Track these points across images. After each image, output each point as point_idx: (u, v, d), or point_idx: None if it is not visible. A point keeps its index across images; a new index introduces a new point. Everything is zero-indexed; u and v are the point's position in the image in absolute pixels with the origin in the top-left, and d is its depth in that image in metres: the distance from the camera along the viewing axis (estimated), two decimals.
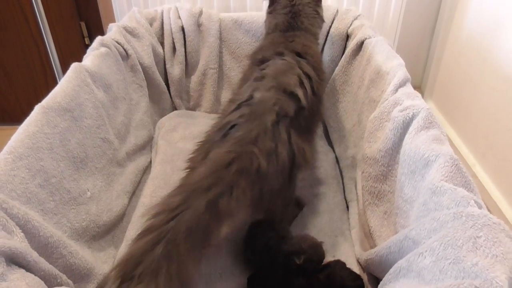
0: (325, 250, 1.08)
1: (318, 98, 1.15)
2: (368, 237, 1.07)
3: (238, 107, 1.01)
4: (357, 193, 1.25)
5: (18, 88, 2.15)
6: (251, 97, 1.01)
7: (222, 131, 0.97)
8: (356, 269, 1.07)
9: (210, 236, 0.81)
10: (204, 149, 1.01)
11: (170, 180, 1.39)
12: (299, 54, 1.17)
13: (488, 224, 0.64)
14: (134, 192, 1.33)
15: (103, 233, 1.10)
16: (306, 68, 1.13)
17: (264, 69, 1.11)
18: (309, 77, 1.11)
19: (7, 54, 2.08)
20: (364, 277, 1.02)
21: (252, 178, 0.88)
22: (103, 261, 1.05)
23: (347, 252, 1.13)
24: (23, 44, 2.06)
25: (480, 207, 0.69)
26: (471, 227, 0.64)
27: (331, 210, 1.27)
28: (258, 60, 1.18)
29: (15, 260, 0.68)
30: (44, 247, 0.81)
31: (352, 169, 1.36)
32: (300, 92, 1.04)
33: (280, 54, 1.16)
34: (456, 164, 0.78)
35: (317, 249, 1.03)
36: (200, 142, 1.06)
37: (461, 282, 0.57)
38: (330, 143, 1.58)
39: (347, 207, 1.29)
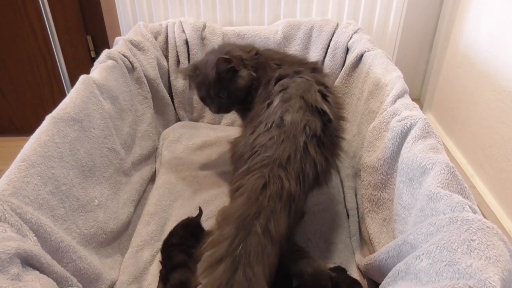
0: (326, 258, 1.10)
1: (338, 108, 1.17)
2: (368, 244, 1.10)
3: (269, 128, 1.02)
4: (357, 202, 1.28)
5: (25, 100, 2.19)
6: (281, 119, 1.02)
7: (250, 151, 1.01)
8: (356, 275, 1.09)
9: (270, 258, 0.86)
10: (236, 166, 1.06)
11: (174, 189, 1.42)
12: (314, 70, 1.22)
13: (482, 228, 0.67)
14: (139, 201, 1.36)
15: (110, 240, 1.13)
16: (323, 81, 1.16)
17: (286, 88, 1.12)
18: (328, 90, 1.14)
19: (15, 67, 2.12)
20: (364, 283, 1.04)
21: (284, 200, 0.92)
22: (110, 267, 1.08)
23: (348, 259, 1.15)
24: (31, 57, 2.11)
25: (474, 212, 0.72)
26: (465, 231, 0.67)
27: (331, 219, 1.30)
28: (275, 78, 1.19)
29: (29, 262, 0.71)
30: (55, 251, 0.84)
31: (352, 178, 1.39)
32: (326, 107, 1.06)
33: (298, 72, 1.18)
34: (452, 172, 0.82)
35: (319, 277, 0.99)
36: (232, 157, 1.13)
37: (456, 282, 0.60)
38: None
39: (348, 215, 1.32)
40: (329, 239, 1.22)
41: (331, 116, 1.05)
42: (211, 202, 1.36)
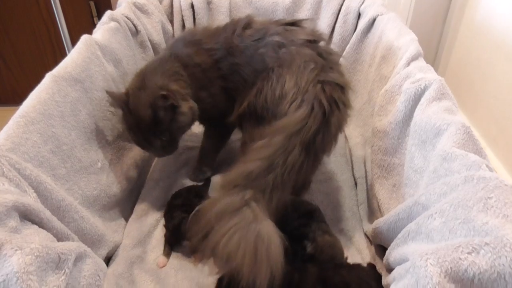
0: (334, 226, 1.08)
1: None
2: (376, 212, 1.07)
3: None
4: (365, 170, 1.25)
5: (28, 70, 2.17)
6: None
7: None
8: (363, 242, 1.07)
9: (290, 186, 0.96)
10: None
11: (180, 157, 1.40)
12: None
13: (500, 186, 0.63)
14: (143, 167, 1.34)
15: (114, 203, 1.11)
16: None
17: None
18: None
19: (17, 36, 2.09)
20: (372, 249, 1.02)
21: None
22: (113, 230, 1.06)
23: (355, 227, 1.13)
24: (34, 26, 2.07)
25: (491, 171, 0.69)
26: (482, 189, 0.64)
27: (339, 187, 1.27)
28: None
29: (28, 217, 0.69)
30: (57, 210, 0.82)
31: (361, 147, 1.36)
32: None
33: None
34: (468, 132, 0.78)
35: (330, 247, 0.98)
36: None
37: (471, 239, 0.57)
38: None
39: (355, 184, 1.29)
40: (336, 207, 1.20)
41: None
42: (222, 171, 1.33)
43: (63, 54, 2.11)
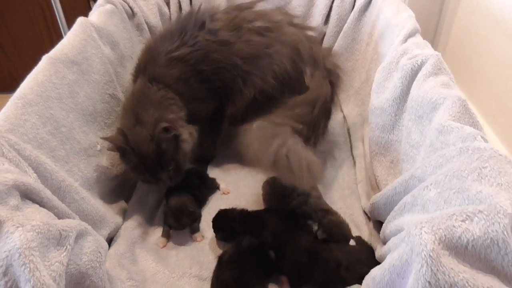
0: (333, 203, 1.09)
1: None
2: (375, 188, 1.08)
3: None
4: (364, 149, 1.25)
5: (26, 55, 2.16)
6: None
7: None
8: (362, 219, 1.08)
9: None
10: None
11: None
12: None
13: (494, 156, 0.64)
14: None
15: (114, 186, 1.12)
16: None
17: None
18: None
19: (13, 21, 2.08)
20: (370, 225, 1.03)
21: None
22: (114, 211, 1.07)
23: (354, 204, 1.14)
24: (29, 10, 2.06)
25: (486, 142, 0.69)
26: (477, 159, 0.64)
27: (338, 166, 1.28)
28: None
29: (29, 196, 0.70)
30: (57, 190, 0.83)
31: (359, 127, 1.36)
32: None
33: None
34: (464, 105, 0.78)
35: (338, 227, 0.99)
36: None
37: (465, 208, 0.58)
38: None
39: (354, 163, 1.30)
40: (335, 185, 1.21)
41: None
42: (220, 159, 1.34)
43: (60, 38, 2.09)
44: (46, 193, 0.73)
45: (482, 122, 1.77)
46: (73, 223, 0.67)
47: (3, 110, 0.81)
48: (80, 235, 0.68)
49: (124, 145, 1.01)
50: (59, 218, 0.74)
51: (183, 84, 1.13)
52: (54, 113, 0.92)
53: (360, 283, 0.74)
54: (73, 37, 1.07)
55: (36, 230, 0.59)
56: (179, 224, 1.03)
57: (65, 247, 0.63)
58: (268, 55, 1.14)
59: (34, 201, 0.71)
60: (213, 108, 1.22)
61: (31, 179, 0.73)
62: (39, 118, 0.87)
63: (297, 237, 0.94)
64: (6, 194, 0.64)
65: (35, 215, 0.66)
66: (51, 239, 0.61)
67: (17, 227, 0.58)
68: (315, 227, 0.99)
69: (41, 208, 0.70)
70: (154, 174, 1.03)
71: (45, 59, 0.97)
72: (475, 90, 1.87)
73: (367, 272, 0.72)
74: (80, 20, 1.13)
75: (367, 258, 0.88)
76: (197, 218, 1.08)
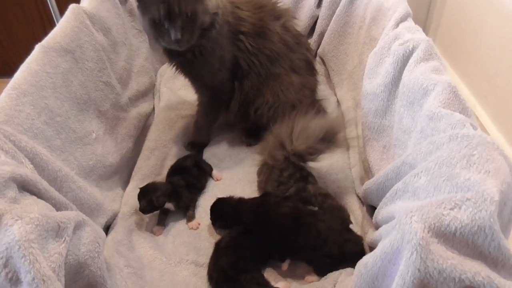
0: (327, 188, 1.11)
1: None
2: (368, 173, 1.10)
3: None
4: (357, 133, 1.27)
5: (18, 41, 2.14)
6: None
7: None
8: (356, 203, 1.10)
9: None
10: None
11: (175, 125, 1.41)
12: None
13: (482, 143, 0.66)
14: (138, 137, 1.35)
15: (110, 173, 1.13)
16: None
17: None
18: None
19: (5, 8, 2.05)
20: (363, 210, 1.05)
21: None
22: (111, 199, 1.09)
23: (347, 189, 1.15)
24: None
25: (475, 129, 0.71)
26: (465, 147, 0.66)
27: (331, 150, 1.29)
28: None
29: (26, 188, 0.71)
30: (54, 180, 0.84)
31: (353, 110, 1.37)
32: None
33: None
34: (454, 91, 0.79)
35: (338, 211, 1.01)
36: None
37: (453, 195, 0.60)
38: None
39: (348, 147, 1.31)
40: (329, 170, 1.22)
41: None
42: (215, 142, 1.35)
43: (51, 23, 2.07)
44: (43, 184, 0.74)
45: (474, 103, 1.80)
46: (71, 215, 0.68)
47: None
48: (78, 226, 0.69)
49: None
50: (56, 209, 0.75)
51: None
52: (48, 102, 0.93)
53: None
54: (65, 25, 1.06)
55: (35, 223, 0.60)
56: (140, 206, 1.03)
57: (63, 239, 0.64)
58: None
59: (31, 192, 0.71)
60: (225, 84, 1.24)
61: (28, 171, 0.74)
62: (33, 108, 0.87)
63: (277, 203, 0.98)
64: (4, 186, 0.65)
65: (33, 207, 0.68)
66: (49, 231, 0.62)
67: (16, 220, 0.59)
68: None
69: (39, 199, 0.71)
70: (168, 15, 0.98)
71: (38, 48, 0.96)
72: (468, 70, 1.88)
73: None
74: (72, 7, 1.12)
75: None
76: (155, 209, 1.06)
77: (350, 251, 0.88)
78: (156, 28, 1.03)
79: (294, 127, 1.11)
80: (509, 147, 1.59)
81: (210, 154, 1.31)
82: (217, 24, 1.09)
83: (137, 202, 1.10)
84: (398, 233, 0.59)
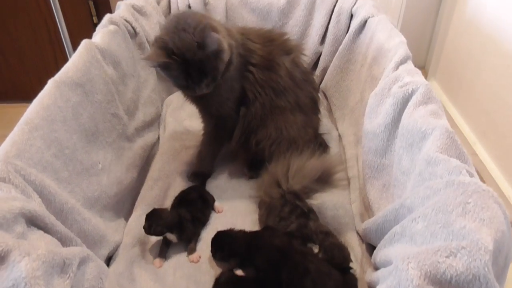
0: (327, 223, 1.12)
1: None
2: (368, 210, 1.11)
3: None
4: (358, 169, 1.29)
5: (29, 66, 2.19)
6: None
7: None
8: (355, 240, 1.11)
9: None
10: None
11: (179, 156, 1.43)
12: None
13: (478, 191, 0.68)
14: (143, 167, 1.38)
15: (114, 204, 1.15)
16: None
17: None
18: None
19: (18, 33, 2.12)
20: (363, 247, 1.06)
21: None
22: (114, 230, 1.10)
23: (347, 225, 1.17)
24: (33, 23, 2.10)
25: (471, 176, 0.73)
26: (461, 194, 0.68)
27: None
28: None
29: (34, 222, 0.73)
30: (60, 213, 0.86)
31: (354, 146, 1.40)
32: None
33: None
34: (451, 137, 0.82)
35: (339, 251, 1.00)
36: None
37: (449, 243, 0.61)
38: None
39: (349, 182, 1.33)
40: (329, 205, 1.24)
41: None
42: (217, 174, 1.38)
43: (62, 51, 2.13)
44: (51, 218, 0.76)
45: (474, 140, 1.82)
46: (76, 251, 0.70)
47: (11, 135, 0.85)
48: (82, 262, 0.71)
49: (166, 59, 1.04)
50: (62, 243, 0.77)
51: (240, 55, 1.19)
52: (58, 135, 0.95)
53: None
54: (77, 60, 1.10)
55: (42, 259, 0.62)
56: (145, 227, 1.05)
57: (68, 275, 0.66)
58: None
59: (38, 227, 0.74)
60: (231, 114, 1.27)
61: (36, 205, 0.76)
62: (44, 142, 0.90)
63: (272, 236, 0.99)
64: (13, 222, 0.67)
65: (40, 242, 0.70)
66: (55, 267, 0.64)
67: (24, 256, 0.61)
68: (316, 250, 1.01)
69: (46, 234, 0.73)
70: (198, 81, 1.07)
71: (50, 83, 1.00)
72: (466, 107, 1.92)
73: None
74: (84, 42, 1.17)
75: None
76: (158, 234, 1.08)
77: None
78: (185, 89, 1.15)
79: (290, 166, 1.12)
80: (506, 182, 1.61)
81: (213, 186, 1.33)
82: (233, 62, 1.14)
83: (140, 232, 1.12)
84: (395, 279, 0.61)
